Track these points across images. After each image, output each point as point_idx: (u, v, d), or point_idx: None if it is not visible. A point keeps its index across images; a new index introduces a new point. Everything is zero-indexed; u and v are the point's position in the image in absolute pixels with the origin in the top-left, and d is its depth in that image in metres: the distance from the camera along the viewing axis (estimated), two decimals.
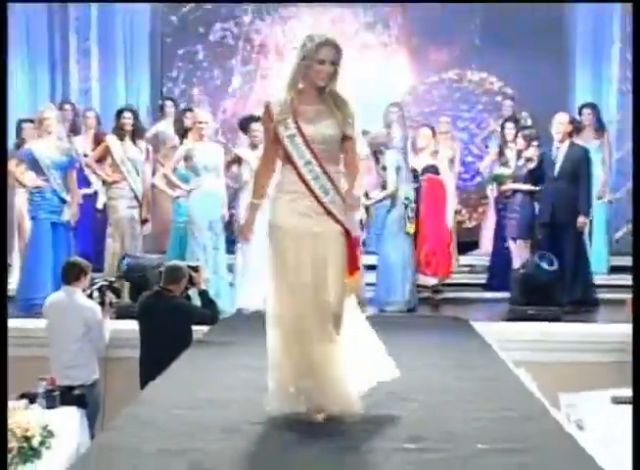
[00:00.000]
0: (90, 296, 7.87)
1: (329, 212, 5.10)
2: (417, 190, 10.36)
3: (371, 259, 10.35)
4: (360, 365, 5.32)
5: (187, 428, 5.01)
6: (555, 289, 9.49)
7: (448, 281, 10.81)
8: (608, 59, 12.79)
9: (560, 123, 10.02)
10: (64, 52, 13.15)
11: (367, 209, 10.29)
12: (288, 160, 5.15)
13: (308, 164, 5.09)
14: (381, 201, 10.00)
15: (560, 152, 10.01)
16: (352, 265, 5.15)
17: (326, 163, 5.13)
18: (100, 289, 7.95)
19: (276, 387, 5.18)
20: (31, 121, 10.28)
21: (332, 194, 5.12)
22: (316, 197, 5.10)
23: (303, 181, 5.10)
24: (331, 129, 5.11)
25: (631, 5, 8.05)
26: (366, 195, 9.89)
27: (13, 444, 5.32)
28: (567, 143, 9.99)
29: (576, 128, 10.36)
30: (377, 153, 10.07)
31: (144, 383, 7.02)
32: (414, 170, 10.39)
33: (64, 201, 9.70)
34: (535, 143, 10.24)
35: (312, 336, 5.03)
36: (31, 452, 5.44)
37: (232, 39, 13.59)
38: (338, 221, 5.11)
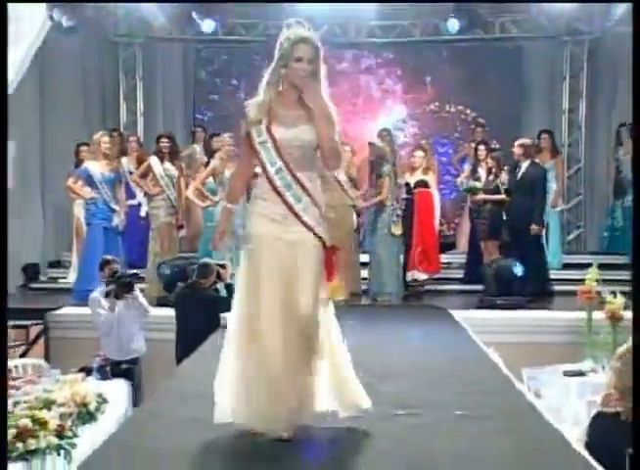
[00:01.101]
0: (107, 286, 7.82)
1: (302, 221, 4.23)
2: (410, 201, 10.37)
3: (363, 257, 10.36)
4: (332, 384, 4.35)
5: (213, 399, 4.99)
6: (519, 282, 9.49)
7: (434, 277, 10.76)
8: (560, 93, 12.77)
9: (519, 146, 10.02)
10: (114, 88, 13.16)
11: (358, 214, 10.29)
12: (261, 166, 4.29)
13: (280, 172, 4.22)
14: (375, 204, 9.95)
15: (520, 169, 10.00)
16: (329, 275, 4.31)
17: (300, 169, 4.25)
18: (116, 281, 7.82)
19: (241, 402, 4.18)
20: (87, 145, 10.31)
21: (304, 201, 4.23)
22: (288, 205, 4.22)
23: (274, 189, 4.23)
24: (308, 134, 4.20)
25: (631, 5, 7.06)
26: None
27: (73, 409, 5.32)
28: (527, 162, 9.96)
29: (535, 150, 10.40)
30: (374, 163, 10.03)
31: (178, 360, 7.01)
32: (407, 185, 10.41)
33: (113, 210, 9.74)
34: (506, 168, 10.28)
35: (283, 350, 4.07)
36: (88, 416, 5.45)
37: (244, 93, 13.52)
38: (311, 230, 4.23)
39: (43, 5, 8.91)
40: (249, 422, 4.12)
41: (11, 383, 6.28)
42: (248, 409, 4.12)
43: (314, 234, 4.21)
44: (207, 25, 12.04)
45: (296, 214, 4.20)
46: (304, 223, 4.19)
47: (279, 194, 4.20)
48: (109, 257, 8.19)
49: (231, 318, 4.38)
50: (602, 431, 4.52)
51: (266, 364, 4.06)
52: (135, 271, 8.11)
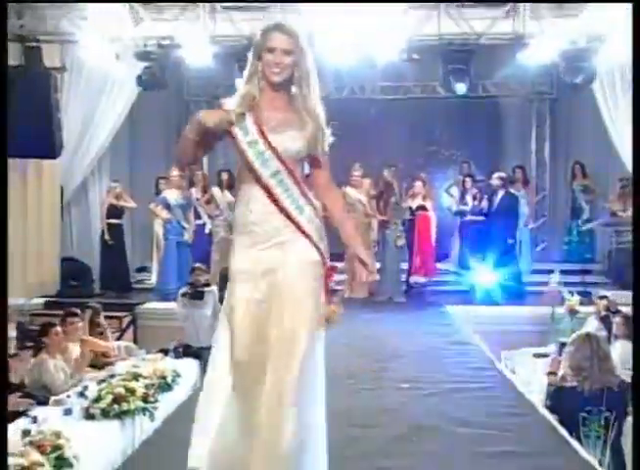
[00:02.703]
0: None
1: (305, 234, 2.77)
2: (412, 221, 10.28)
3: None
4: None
5: None
6: (497, 284, 9.39)
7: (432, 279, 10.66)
8: (529, 138, 12.73)
9: (497, 178, 9.98)
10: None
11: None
12: (249, 171, 2.78)
13: (277, 175, 2.76)
14: (383, 223, 9.96)
15: (497, 197, 9.92)
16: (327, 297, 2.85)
17: None
18: (192, 288, 7.83)
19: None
20: (165, 178, 10.39)
21: (307, 211, 2.79)
22: (288, 215, 2.77)
23: (271, 196, 2.76)
24: (298, 142, 2.77)
25: (632, 5, 5.65)
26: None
27: (154, 380, 5.34)
28: (503, 191, 9.89)
29: (509, 181, 10.36)
30: (384, 191, 10.05)
31: None
32: (410, 208, 10.34)
33: (184, 228, 9.75)
34: (486, 196, 10.26)
35: (270, 395, 2.64)
36: (166, 386, 5.46)
37: None
38: (315, 247, 2.79)
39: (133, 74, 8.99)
40: None
41: (108, 360, 6.37)
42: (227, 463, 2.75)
43: (317, 250, 2.80)
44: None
45: (297, 225, 2.78)
46: (308, 237, 2.78)
47: (276, 203, 2.76)
48: (197, 265, 8.11)
49: (213, 354, 2.94)
50: (563, 399, 4.55)
51: (250, 412, 2.69)
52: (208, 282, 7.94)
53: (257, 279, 2.77)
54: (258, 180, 2.77)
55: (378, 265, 10.18)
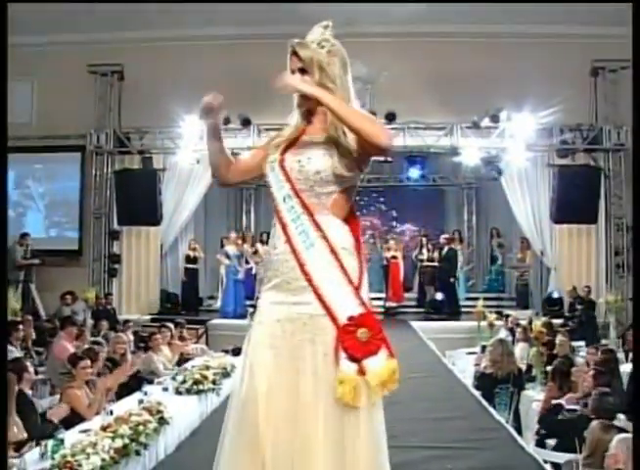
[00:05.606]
0: None
1: (309, 280, 1.60)
2: (388, 266, 10.39)
3: None
4: None
5: None
6: (444, 306, 9.43)
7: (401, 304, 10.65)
8: (463, 212, 12.78)
9: (444, 238, 10.17)
10: (240, 205, 12.99)
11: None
12: (271, 198, 1.75)
13: (289, 200, 1.67)
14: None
15: (444, 250, 10.08)
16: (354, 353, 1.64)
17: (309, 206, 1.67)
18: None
19: None
20: (226, 237, 10.49)
21: (319, 246, 1.63)
22: (294, 250, 1.63)
23: (282, 223, 1.68)
24: (317, 163, 1.65)
25: (631, 5, 4.09)
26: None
27: (218, 370, 5.17)
28: (448, 246, 10.04)
29: (451, 240, 10.51)
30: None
31: None
32: (386, 258, 10.48)
33: (238, 270, 9.75)
34: (438, 250, 10.38)
35: None
36: (227, 374, 5.31)
37: None
38: (320, 298, 1.61)
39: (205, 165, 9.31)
40: None
41: (189, 356, 6.40)
42: None
43: (324, 307, 1.63)
44: None
45: (302, 269, 1.63)
46: (316, 293, 1.63)
47: (284, 231, 1.69)
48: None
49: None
50: (484, 381, 4.61)
51: None
52: None
53: (275, 345, 1.61)
54: (275, 204, 1.69)
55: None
